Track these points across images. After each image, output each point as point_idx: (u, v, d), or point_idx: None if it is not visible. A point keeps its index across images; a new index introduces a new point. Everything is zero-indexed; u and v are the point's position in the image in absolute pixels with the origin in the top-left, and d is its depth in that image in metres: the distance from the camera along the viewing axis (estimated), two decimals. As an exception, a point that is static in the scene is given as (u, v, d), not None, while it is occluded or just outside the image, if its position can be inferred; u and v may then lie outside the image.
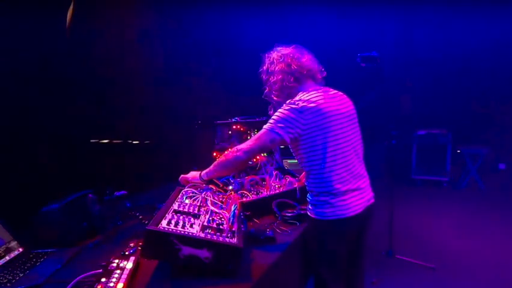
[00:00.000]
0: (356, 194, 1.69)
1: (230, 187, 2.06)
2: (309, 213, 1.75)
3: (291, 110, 1.64)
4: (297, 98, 1.69)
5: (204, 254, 1.29)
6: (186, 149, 3.99)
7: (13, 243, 1.57)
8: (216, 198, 1.73)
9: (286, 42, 1.86)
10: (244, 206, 1.86)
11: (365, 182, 1.78)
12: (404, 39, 6.19)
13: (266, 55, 1.87)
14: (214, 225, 1.45)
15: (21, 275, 1.40)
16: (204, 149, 2.98)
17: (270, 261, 1.48)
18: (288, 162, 2.83)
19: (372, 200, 1.81)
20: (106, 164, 2.89)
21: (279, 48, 1.84)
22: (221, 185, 2.00)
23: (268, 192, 2.07)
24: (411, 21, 6.10)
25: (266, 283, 1.40)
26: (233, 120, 2.81)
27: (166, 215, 1.45)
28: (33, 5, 2.29)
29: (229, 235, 1.40)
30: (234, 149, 1.76)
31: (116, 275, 1.24)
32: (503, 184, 5.87)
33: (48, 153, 2.38)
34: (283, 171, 2.33)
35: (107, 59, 3.07)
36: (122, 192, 2.09)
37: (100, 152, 2.96)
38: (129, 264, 1.32)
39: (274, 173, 2.25)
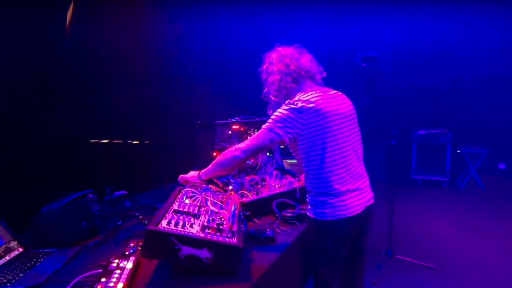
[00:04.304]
0: (356, 195, 1.69)
1: (230, 187, 2.06)
2: (308, 214, 1.75)
3: (290, 110, 1.64)
4: (296, 98, 1.69)
5: (204, 254, 1.29)
6: (186, 149, 3.99)
7: (13, 243, 1.57)
8: (215, 198, 1.73)
9: (286, 42, 1.87)
10: (244, 206, 1.86)
11: (364, 183, 1.78)
12: (404, 39, 6.19)
13: (266, 55, 1.87)
14: (214, 225, 1.45)
15: (21, 275, 1.40)
16: (204, 149, 2.98)
17: (270, 261, 1.48)
18: (288, 162, 2.83)
19: (372, 201, 1.81)
20: (106, 164, 2.89)
21: (279, 48, 1.84)
22: (221, 185, 2.00)
23: (268, 192, 2.07)
24: (411, 21, 6.10)
25: (266, 283, 1.40)
26: (233, 120, 2.81)
27: (166, 215, 1.45)
28: (33, 5, 2.29)
29: (229, 235, 1.40)
30: (233, 148, 1.76)
31: (116, 275, 1.24)
32: (503, 184, 5.87)
33: (48, 153, 2.37)
34: (283, 171, 2.33)
35: (107, 59, 3.07)
36: (122, 192, 2.09)
37: (100, 152, 2.96)
38: (129, 264, 1.32)
39: (274, 173, 2.25)
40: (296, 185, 2.08)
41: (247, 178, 2.19)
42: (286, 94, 1.77)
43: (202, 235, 1.35)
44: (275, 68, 1.79)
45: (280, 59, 1.79)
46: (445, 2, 5.82)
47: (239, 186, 2.09)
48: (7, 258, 1.50)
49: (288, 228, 1.82)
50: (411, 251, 3.58)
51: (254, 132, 2.70)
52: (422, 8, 5.94)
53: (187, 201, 1.65)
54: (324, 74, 1.87)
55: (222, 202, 1.72)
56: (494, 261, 3.46)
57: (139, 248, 1.42)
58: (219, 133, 2.79)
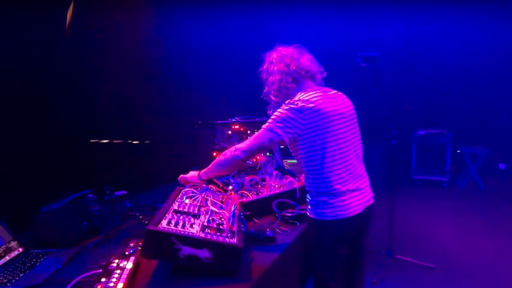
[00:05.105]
0: (356, 195, 1.69)
1: (230, 187, 2.06)
2: (308, 214, 1.75)
3: (290, 109, 1.64)
4: (296, 98, 1.69)
5: (204, 254, 1.29)
6: (186, 149, 3.98)
7: (13, 243, 1.57)
8: (215, 198, 1.73)
9: (287, 42, 1.87)
10: (244, 206, 1.86)
11: (364, 183, 1.77)
12: (404, 39, 6.20)
13: (266, 55, 1.87)
14: (214, 225, 1.45)
15: (21, 275, 1.40)
16: (204, 149, 2.98)
17: (270, 261, 1.49)
18: (288, 162, 2.83)
19: (372, 201, 1.81)
20: (106, 164, 2.88)
21: (279, 48, 1.84)
22: (221, 185, 2.00)
23: (268, 192, 2.07)
24: (412, 21, 6.10)
25: (266, 283, 1.40)
26: (233, 120, 2.81)
27: (166, 215, 1.45)
28: (33, 5, 2.29)
29: (229, 235, 1.40)
30: (233, 148, 1.76)
31: (116, 275, 1.24)
32: (503, 184, 5.87)
33: (48, 153, 2.37)
34: (283, 171, 2.33)
35: (107, 59, 3.07)
36: (122, 192, 2.09)
37: (100, 152, 2.96)
38: (129, 264, 1.32)
39: (274, 173, 2.25)
40: (296, 185, 2.08)
41: (247, 178, 2.19)
42: (287, 94, 1.77)
43: (202, 235, 1.35)
44: (275, 68, 1.79)
45: (280, 58, 1.79)
46: (445, 2, 5.82)
47: (239, 186, 2.09)
48: (7, 258, 1.50)
49: (288, 228, 1.82)
50: (411, 251, 3.58)
51: (254, 132, 2.69)
52: (422, 8, 5.94)
53: (187, 201, 1.65)
54: (325, 74, 1.87)
55: (222, 202, 1.72)
56: (494, 261, 3.46)
57: (139, 248, 1.42)
58: (219, 133, 2.79)
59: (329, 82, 1.88)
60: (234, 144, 1.79)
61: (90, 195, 1.91)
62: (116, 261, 1.33)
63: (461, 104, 6.34)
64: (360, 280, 1.93)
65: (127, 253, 1.41)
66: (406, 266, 3.37)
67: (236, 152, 1.73)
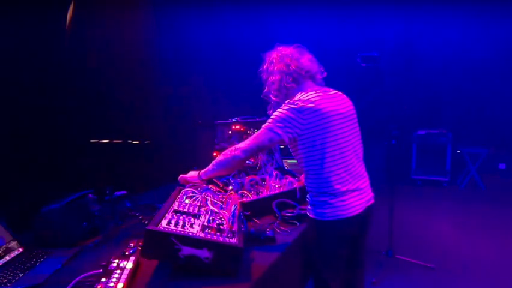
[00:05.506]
0: (356, 195, 1.69)
1: (230, 187, 2.06)
2: (308, 214, 1.75)
3: (290, 109, 1.64)
4: (296, 98, 1.69)
5: (204, 254, 1.29)
6: (186, 149, 3.98)
7: (13, 243, 1.57)
8: (215, 198, 1.73)
9: (287, 42, 1.87)
10: (244, 206, 1.86)
11: (364, 183, 1.78)
12: (404, 39, 6.20)
13: (266, 54, 1.87)
14: (214, 225, 1.45)
15: (21, 275, 1.40)
16: (204, 149, 2.97)
17: (270, 261, 1.49)
18: (288, 162, 2.83)
19: (372, 201, 1.81)
20: (106, 164, 2.88)
21: (279, 48, 1.84)
22: (221, 185, 2.00)
23: (268, 192, 2.07)
24: (412, 21, 6.11)
25: (266, 283, 1.40)
26: (233, 120, 2.81)
27: (166, 215, 1.45)
28: (33, 5, 2.29)
29: (229, 235, 1.40)
30: (232, 148, 1.76)
31: (116, 275, 1.24)
32: (503, 184, 5.87)
33: (48, 153, 2.37)
34: (283, 171, 2.33)
35: (107, 59, 3.07)
36: (122, 192, 2.09)
37: (100, 152, 2.96)
38: (129, 264, 1.32)
39: (274, 173, 2.25)
40: (296, 185, 2.08)
41: (247, 178, 2.19)
42: (287, 94, 1.77)
43: (202, 235, 1.35)
44: (275, 68, 1.79)
45: (280, 58, 1.79)
46: (445, 2, 5.82)
47: (239, 186, 2.09)
48: (7, 258, 1.50)
49: (288, 228, 1.82)
50: (411, 251, 3.58)
51: (254, 132, 2.69)
52: (422, 8, 5.94)
53: (187, 201, 1.65)
54: (325, 74, 1.87)
55: (222, 202, 1.72)
56: (494, 261, 3.46)
57: (139, 248, 1.42)
58: (219, 133, 2.79)
59: (329, 82, 1.88)
60: (234, 144, 1.79)
61: (90, 195, 1.91)
62: (116, 261, 1.33)
63: (461, 104, 6.34)
64: (360, 280, 1.94)
65: (127, 253, 1.41)
66: (406, 266, 3.37)
67: (236, 152, 1.73)
